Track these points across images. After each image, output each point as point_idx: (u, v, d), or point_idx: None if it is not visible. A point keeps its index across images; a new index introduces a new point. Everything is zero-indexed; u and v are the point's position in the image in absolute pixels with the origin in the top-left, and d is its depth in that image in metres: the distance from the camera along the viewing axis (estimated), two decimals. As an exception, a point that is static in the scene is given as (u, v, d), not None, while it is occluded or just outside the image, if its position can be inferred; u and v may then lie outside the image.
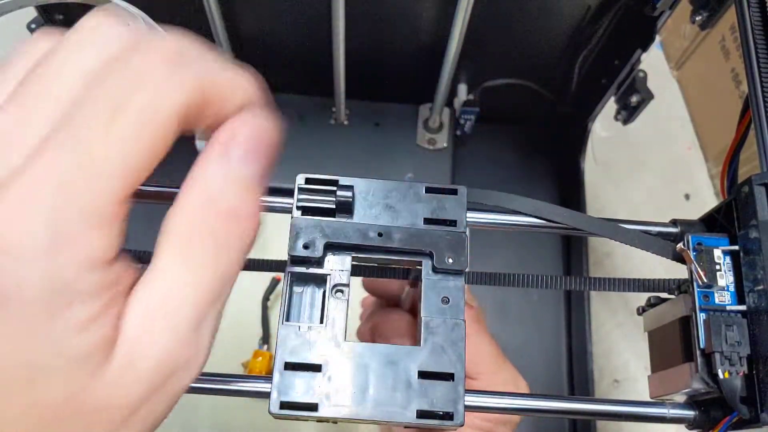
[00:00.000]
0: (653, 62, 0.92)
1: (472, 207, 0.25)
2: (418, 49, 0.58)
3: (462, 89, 0.64)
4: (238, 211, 0.17)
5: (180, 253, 0.16)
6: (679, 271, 0.26)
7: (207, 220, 0.16)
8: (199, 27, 0.53)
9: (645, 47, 0.51)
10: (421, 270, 0.24)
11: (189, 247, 0.16)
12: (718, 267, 0.24)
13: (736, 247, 0.25)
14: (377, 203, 0.24)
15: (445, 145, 0.64)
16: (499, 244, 0.65)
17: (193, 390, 0.22)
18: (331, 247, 0.24)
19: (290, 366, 0.22)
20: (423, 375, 0.22)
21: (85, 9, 0.63)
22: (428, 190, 0.25)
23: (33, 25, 0.54)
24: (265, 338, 0.60)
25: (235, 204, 0.17)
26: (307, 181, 0.24)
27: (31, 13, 0.54)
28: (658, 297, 0.28)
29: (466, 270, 0.24)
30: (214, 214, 0.16)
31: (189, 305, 0.16)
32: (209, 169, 0.16)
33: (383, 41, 0.58)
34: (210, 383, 0.22)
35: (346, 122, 0.65)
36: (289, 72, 0.64)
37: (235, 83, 0.17)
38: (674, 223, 0.26)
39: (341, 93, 0.59)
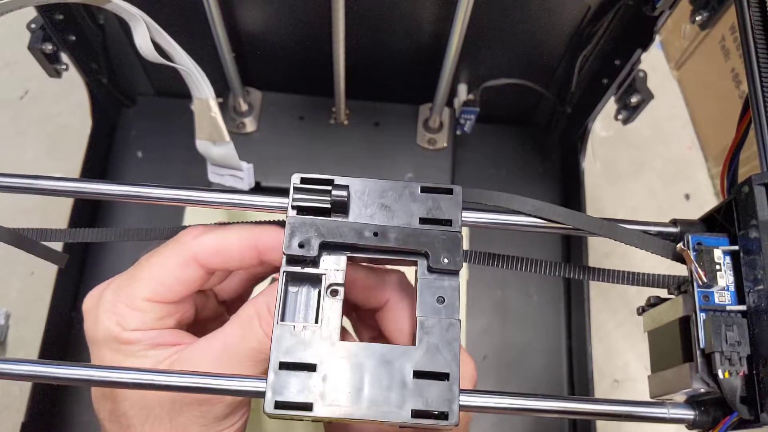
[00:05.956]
0: (653, 62, 0.93)
1: (470, 207, 0.25)
2: (418, 49, 0.58)
3: (462, 89, 0.63)
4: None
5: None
6: (679, 272, 0.26)
7: None
8: (199, 27, 0.53)
9: (645, 47, 0.51)
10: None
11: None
12: (718, 267, 0.24)
13: (736, 247, 0.24)
14: (373, 203, 0.24)
15: (445, 145, 0.64)
16: (498, 244, 0.64)
17: (188, 389, 0.22)
18: (327, 247, 0.24)
19: (285, 366, 0.22)
20: (418, 375, 0.22)
21: (86, 9, 0.62)
22: (424, 189, 0.24)
23: (33, 25, 0.54)
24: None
25: None
26: (303, 180, 0.24)
27: (31, 13, 0.54)
28: (658, 297, 0.28)
29: (462, 266, 0.24)
30: None
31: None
32: None
33: (383, 41, 0.58)
34: (205, 382, 0.22)
35: (346, 122, 0.64)
36: (289, 72, 0.64)
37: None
38: (674, 223, 0.26)
39: (341, 93, 0.59)
